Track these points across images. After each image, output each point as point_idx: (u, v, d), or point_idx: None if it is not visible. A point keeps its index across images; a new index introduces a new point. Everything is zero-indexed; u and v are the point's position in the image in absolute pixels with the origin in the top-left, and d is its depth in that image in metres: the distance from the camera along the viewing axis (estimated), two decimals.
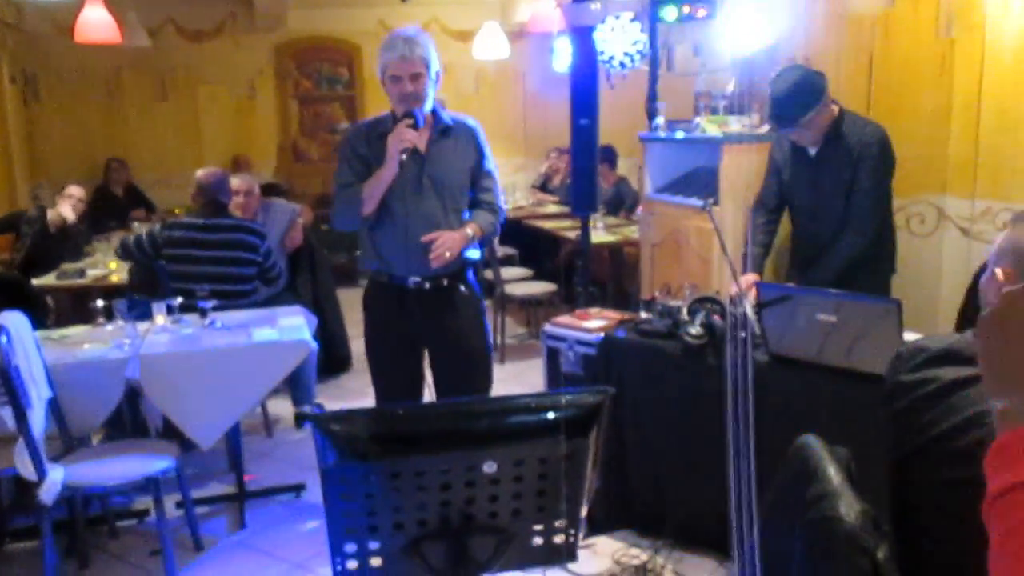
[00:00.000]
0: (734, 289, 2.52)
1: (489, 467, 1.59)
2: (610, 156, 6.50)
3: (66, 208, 5.37)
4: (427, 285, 2.87)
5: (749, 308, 2.87)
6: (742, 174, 3.63)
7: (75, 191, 5.58)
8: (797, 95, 3.04)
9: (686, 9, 4.13)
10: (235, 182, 4.60)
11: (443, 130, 2.87)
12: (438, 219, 2.82)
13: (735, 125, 3.74)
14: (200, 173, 4.24)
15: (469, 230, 2.85)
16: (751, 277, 3.15)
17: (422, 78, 2.76)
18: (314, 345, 3.40)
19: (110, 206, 7.09)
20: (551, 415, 1.64)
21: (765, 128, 3.71)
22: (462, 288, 2.94)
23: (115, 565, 3.19)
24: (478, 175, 2.94)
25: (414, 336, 2.94)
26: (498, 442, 1.62)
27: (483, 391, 3.08)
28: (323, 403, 4.54)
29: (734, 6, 3.95)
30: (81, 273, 4.76)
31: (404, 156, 2.72)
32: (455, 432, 1.65)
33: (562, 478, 1.63)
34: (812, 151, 3.19)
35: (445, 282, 2.89)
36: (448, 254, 2.76)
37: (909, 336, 2.31)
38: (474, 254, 2.97)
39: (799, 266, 3.39)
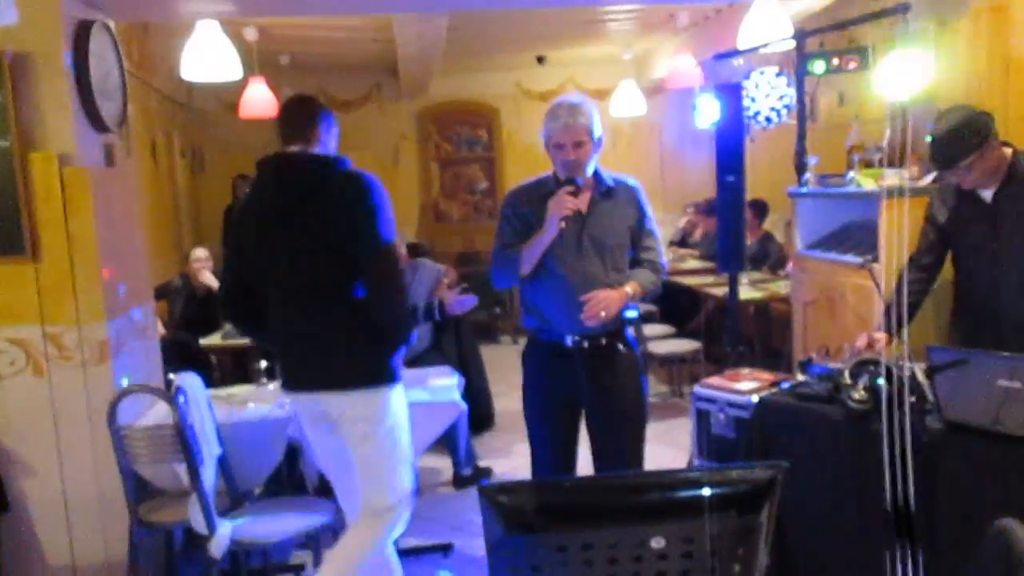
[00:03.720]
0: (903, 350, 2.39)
1: (657, 543, 1.54)
2: (761, 210, 6.36)
3: (206, 275, 5.50)
4: (585, 344, 2.87)
5: (920, 372, 2.71)
6: (902, 229, 3.46)
7: (199, 254, 5.59)
8: (961, 135, 2.89)
9: (835, 61, 4.02)
10: None
11: (605, 191, 2.90)
12: (599, 278, 2.83)
13: (892, 178, 3.58)
14: None
15: (629, 289, 2.84)
16: (879, 336, 2.99)
17: (584, 146, 2.81)
18: (464, 406, 3.45)
19: None
20: (722, 490, 1.59)
21: (927, 180, 3.54)
22: (620, 347, 2.92)
23: None
24: (639, 234, 2.94)
25: (571, 394, 2.93)
26: (667, 517, 1.57)
27: (637, 451, 3.03)
28: (490, 467, 4.55)
29: (888, 55, 3.81)
30: None
31: (563, 224, 2.76)
32: (623, 505, 1.61)
33: (733, 556, 1.57)
34: (987, 195, 3.01)
35: (603, 341, 2.88)
36: (604, 313, 2.76)
37: None
38: (632, 313, 2.95)
39: (967, 321, 3.18)
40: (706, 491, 1.60)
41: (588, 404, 2.94)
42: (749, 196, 6.61)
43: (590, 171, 2.85)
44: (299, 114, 2.73)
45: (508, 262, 2.87)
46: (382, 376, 2.63)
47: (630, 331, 2.96)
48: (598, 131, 2.84)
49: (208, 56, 4.43)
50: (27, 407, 3.13)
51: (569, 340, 2.86)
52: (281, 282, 2.64)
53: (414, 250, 5.79)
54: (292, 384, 2.74)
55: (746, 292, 5.62)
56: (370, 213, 2.54)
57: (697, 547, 1.56)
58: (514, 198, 2.99)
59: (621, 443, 2.94)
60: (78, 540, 3.22)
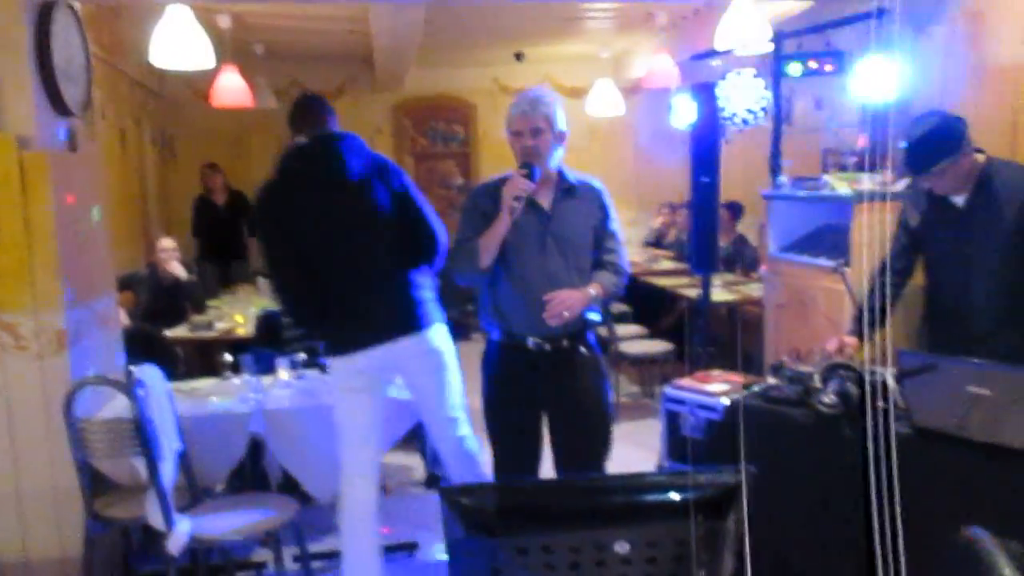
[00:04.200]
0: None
1: (621, 547, 1.51)
2: (736, 212, 6.36)
3: (174, 265, 5.42)
4: (547, 346, 2.82)
5: (890, 377, 2.70)
6: (874, 234, 3.47)
7: (166, 243, 5.49)
8: (934, 140, 2.89)
9: (812, 64, 4.01)
10: None
11: (567, 189, 2.86)
12: (561, 278, 2.79)
13: (867, 183, 3.58)
14: None
15: (592, 290, 2.80)
16: (849, 340, 2.98)
17: (543, 134, 2.77)
18: None
19: (212, 216, 7.11)
20: (687, 494, 1.56)
21: (900, 185, 3.54)
22: (583, 349, 2.88)
23: None
24: (602, 235, 2.90)
25: (533, 397, 2.89)
26: (630, 521, 1.54)
27: (602, 455, 3.00)
28: None
29: (863, 59, 3.81)
30: (209, 326, 4.94)
31: (517, 204, 2.71)
32: (585, 509, 1.58)
33: (697, 562, 1.54)
34: (959, 201, 3.01)
35: (565, 343, 2.84)
36: (567, 313, 2.72)
37: None
38: (595, 316, 2.92)
39: (936, 326, 3.18)
40: (672, 495, 1.58)
41: (550, 407, 2.90)
42: (724, 197, 6.64)
43: (552, 164, 2.81)
44: (317, 103, 3.17)
45: (466, 254, 2.82)
46: (439, 315, 3.12)
47: (592, 334, 2.93)
48: (560, 124, 2.80)
49: (179, 43, 4.32)
50: None
51: (531, 342, 2.81)
52: (347, 249, 2.94)
53: None
54: (365, 341, 2.96)
55: (719, 294, 5.62)
56: (405, 176, 3.10)
57: (661, 552, 1.53)
58: (475, 193, 2.96)
59: (584, 446, 2.90)
60: (32, 535, 3.13)
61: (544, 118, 2.77)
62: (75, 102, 3.24)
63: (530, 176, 2.73)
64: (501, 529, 1.55)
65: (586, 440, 2.94)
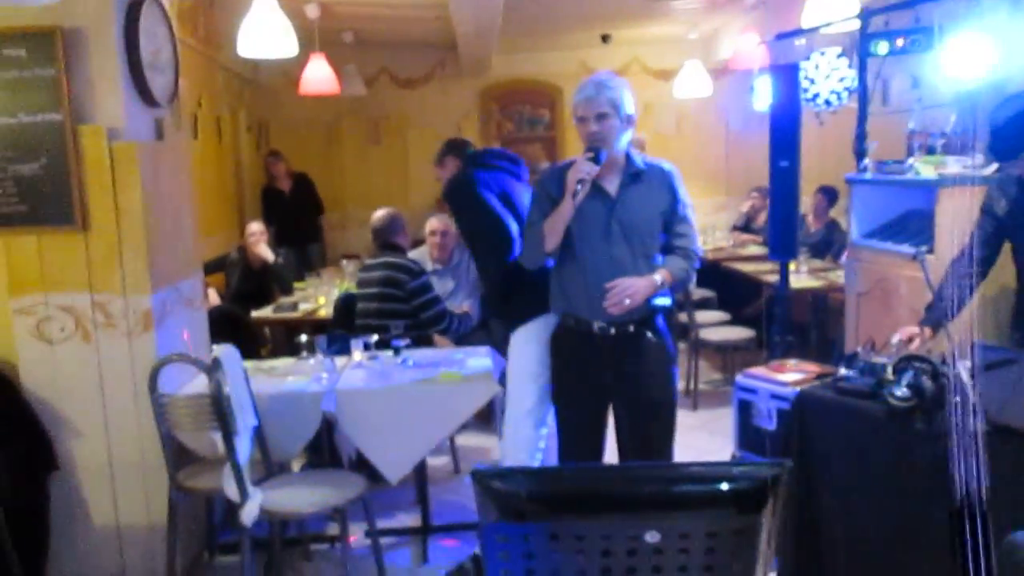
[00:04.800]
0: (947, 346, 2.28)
1: (652, 537, 1.50)
2: (832, 196, 6.17)
3: (262, 248, 5.63)
4: (612, 331, 2.82)
5: (964, 371, 2.58)
6: (960, 220, 3.30)
7: (254, 227, 5.70)
8: (1022, 125, 2.73)
9: (900, 42, 3.83)
10: (432, 223, 4.80)
11: (635, 174, 2.83)
12: (626, 264, 2.77)
13: (954, 165, 3.41)
14: (373, 216, 4.45)
15: (658, 277, 2.77)
16: (912, 330, 2.85)
17: (608, 119, 2.75)
18: (498, 388, 3.44)
19: (280, 203, 7.23)
20: (721, 486, 1.54)
21: (990, 169, 3.36)
22: (649, 335, 2.86)
23: None
24: (672, 219, 2.86)
25: (598, 382, 2.89)
26: (662, 511, 1.54)
27: (666, 442, 2.98)
28: None
29: (956, 35, 3.62)
30: (294, 307, 5.12)
31: (580, 187, 2.70)
32: (617, 497, 1.58)
33: (731, 555, 1.52)
34: None
35: (631, 328, 2.83)
36: (628, 301, 2.70)
37: None
38: (664, 301, 2.89)
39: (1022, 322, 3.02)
40: (705, 487, 1.56)
41: (614, 393, 2.89)
42: (820, 181, 6.44)
43: (618, 148, 2.79)
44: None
45: (532, 239, 2.84)
46: None
47: (661, 318, 2.90)
48: (627, 108, 2.77)
49: (264, 33, 4.47)
50: (76, 372, 3.24)
51: (596, 327, 2.81)
52: None
53: None
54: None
55: (805, 281, 5.47)
56: None
57: (694, 544, 1.52)
58: (543, 178, 2.96)
59: (648, 433, 2.89)
60: (122, 502, 3.33)
61: (609, 103, 2.75)
62: (162, 93, 3.40)
63: (595, 160, 2.72)
64: (533, 514, 1.57)
65: (650, 426, 2.92)
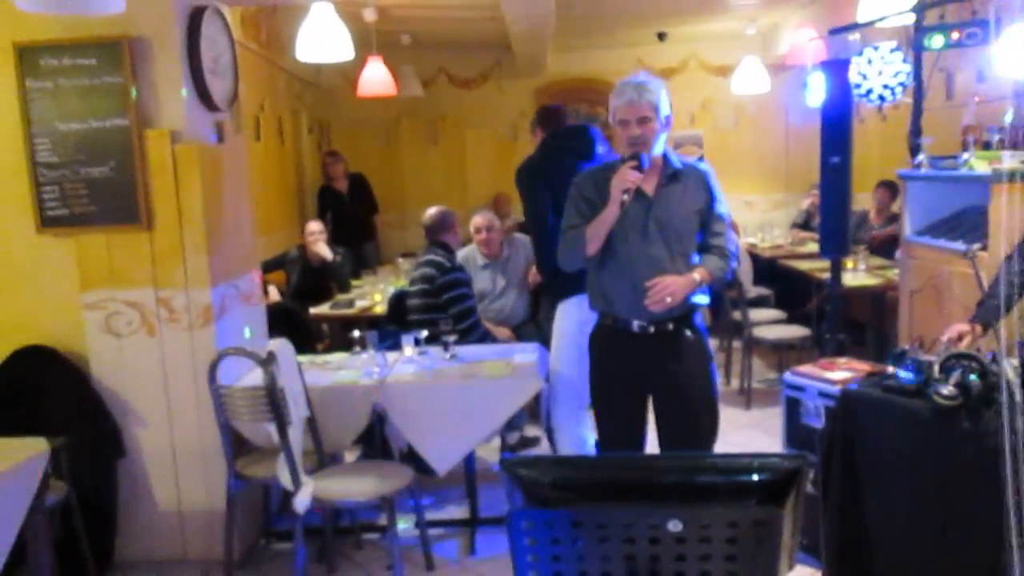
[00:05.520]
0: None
1: (674, 526, 1.54)
2: (895, 192, 6.06)
3: (321, 246, 5.75)
4: (651, 329, 2.85)
5: (1010, 370, 2.54)
6: (1015, 216, 3.23)
7: (313, 227, 5.81)
8: None
9: (955, 35, 3.75)
10: (476, 220, 4.87)
11: (672, 174, 2.86)
12: (664, 263, 2.80)
13: (1009, 161, 3.34)
14: (425, 214, 4.54)
15: (696, 275, 2.80)
16: (962, 327, 2.79)
17: (649, 122, 2.77)
18: (542, 383, 3.50)
19: (337, 203, 7.29)
20: (742, 478, 1.57)
21: None
22: (688, 333, 2.89)
23: (356, 573, 3.47)
24: (708, 218, 2.88)
25: (637, 380, 2.92)
26: (685, 501, 1.58)
27: (707, 440, 2.99)
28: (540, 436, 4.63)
29: (1012, 29, 3.54)
30: (350, 304, 5.26)
31: (626, 197, 2.74)
32: (639, 486, 1.62)
33: (753, 546, 1.55)
34: None
35: (670, 326, 2.85)
36: (669, 299, 2.73)
37: None
38: (702, 299, 2.91)
39: None
40: (725, 477, 1.60)
41: (654, 391, 2.92)
42: (881, 176, 6.31)
43: (657, 150, 2.81)
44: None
45: (573, 243, 2.88)
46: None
47: (698, 316, 2.92)
48: (665, 110, 2.80)
49: (322, 37, 4.61)
50: (141, 364, 3.41)
51: (635, 325, 2.85)
52: None
53: (524, 227, 5.85)
54: None
55: (862, 279, 5.40)
56: None
57: (715, 533, 1.55)
58: (581, 180, 2.99)
59: (687, 430, 2.90)
60: (184, 488, 3.50)
61: (650, 105, 2.77)
62: (222, 98, 3.54)
63: (639, 167, 2.75)
64: (558, 501, 1.63)
65: (689, 424, 2.94)
